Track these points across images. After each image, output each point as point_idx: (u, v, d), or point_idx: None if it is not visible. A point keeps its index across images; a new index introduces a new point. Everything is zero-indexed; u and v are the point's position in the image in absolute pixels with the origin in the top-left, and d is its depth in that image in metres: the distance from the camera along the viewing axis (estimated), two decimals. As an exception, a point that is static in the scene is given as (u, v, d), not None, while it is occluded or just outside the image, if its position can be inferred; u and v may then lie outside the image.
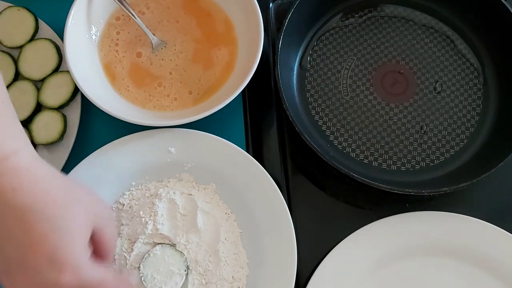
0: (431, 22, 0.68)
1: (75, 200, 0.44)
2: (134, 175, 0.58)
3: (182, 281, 0.52)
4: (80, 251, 0.42)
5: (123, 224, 0.56)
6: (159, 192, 0.56)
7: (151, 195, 0.57)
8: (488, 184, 0.61)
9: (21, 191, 0.41)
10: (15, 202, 0.41)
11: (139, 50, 0.64)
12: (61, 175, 0.46)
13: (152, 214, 0.55)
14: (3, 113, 0.44)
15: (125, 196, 0.57)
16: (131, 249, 0.54)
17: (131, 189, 0.58)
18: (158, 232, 0.54)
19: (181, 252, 0.53)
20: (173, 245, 0.54)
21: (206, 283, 0.53)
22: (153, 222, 0.54)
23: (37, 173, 0.43)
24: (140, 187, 0.58)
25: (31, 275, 0.41)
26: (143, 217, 0.55)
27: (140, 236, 0.54)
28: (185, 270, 0.53)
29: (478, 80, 0.65)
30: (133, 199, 0.57)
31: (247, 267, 0.55)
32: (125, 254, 0.54)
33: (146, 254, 0.53)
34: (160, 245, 0.54)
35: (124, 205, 0.57)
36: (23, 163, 0.42)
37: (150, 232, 0.54)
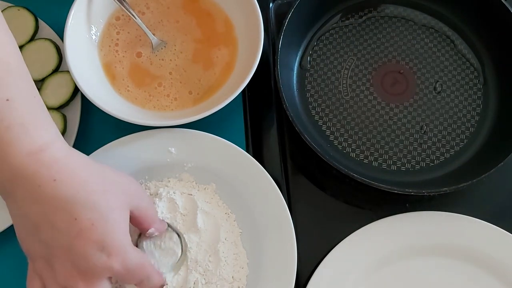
0: (431, 22, 0.68)
1: (113, 186, 0.46)
2: (134, 175, 0.58)
3: (177, 260, 0.53)
4: (125, 236, 0.44)
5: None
6: (159, 191, 0.56)
7: (151, 194, 0.57)
8: (488, 184, 0.61)
9: (61, 182, 0.42)
10: (56, 193, 0.42)
11: (139, 50, 0.64)
12: (94, 162, 0.47)
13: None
14: (36, 106, 0.45)
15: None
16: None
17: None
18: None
19: (178, 233, 0.54)
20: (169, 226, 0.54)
21: (206, 283, 0.53)
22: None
23: (74, 162, 0.45)
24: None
25: (76, 261, 0.42)
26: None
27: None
28: (181, 249, 0.53)
29: (478, 80, 0.65)
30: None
31: (247, 267, 0.55)
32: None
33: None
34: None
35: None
36: (60, 154, 0.44)
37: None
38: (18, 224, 0.45)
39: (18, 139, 0.42)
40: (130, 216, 0.47)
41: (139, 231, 0.52)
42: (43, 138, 0.44)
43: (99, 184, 0.44)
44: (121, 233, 0.44)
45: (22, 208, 0.43)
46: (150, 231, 0.50)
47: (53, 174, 0.42)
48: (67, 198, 0.42)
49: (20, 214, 0.44)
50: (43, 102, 0.46)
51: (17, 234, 0.45)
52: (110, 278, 0.45)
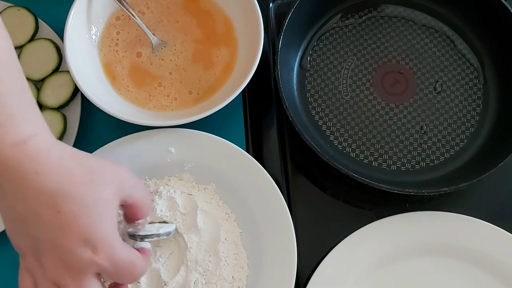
0: (431, 22, 0.68)
1: (100, 176, 0.44)
2: (134, 175, 0.58)
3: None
4: (112, 229, 0.43)
5: (118, 222, 0.56)
6: (159, 189, 0.56)
7: (150, 192, 0.57)
8: (488, 184, 0.61)
9: (44, 174, 0.41)
10: (39, 185, 0.41)
11: (139, 50, 0.64)
12: (81, 153, 0.46)
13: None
14: (25, 100, 0.44)
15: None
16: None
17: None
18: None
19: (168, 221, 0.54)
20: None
21: (206, 283, 0.53)
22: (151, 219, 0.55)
23: (58, 154, 0.43)
24: (139, 185, 0.58)
25: (62, 256, 0.41)
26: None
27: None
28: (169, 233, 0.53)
29: (478, 80, 0.65)
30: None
31: (247, 267, 0.55)
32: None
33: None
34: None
35: (122, 202, 0.57)
36: (43, 145, 0.43)
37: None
38: (6, 218, 0.43)
39: (4, 130, 0.41)
40: (124, 206, 0.46)
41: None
42: (28, 130, 0.43)
43: (84, 175, 0.43)
44: (107, 226, 0.42)
45: (9, 200, 0.42)
46: (139, 221, 0.49)
47: (36, 166, 0.41)
48: (50, 190, 0.41)
49: (8, 206, 0.43)
50: (32, 96, 0.45)
51: (6, 228, 0.44)
52: (99, 275, 0.43)
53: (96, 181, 0.43)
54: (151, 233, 0.50)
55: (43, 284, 0.43)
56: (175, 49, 0.64)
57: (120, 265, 0.42)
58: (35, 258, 0.43)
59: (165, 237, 0.52)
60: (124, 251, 0.43)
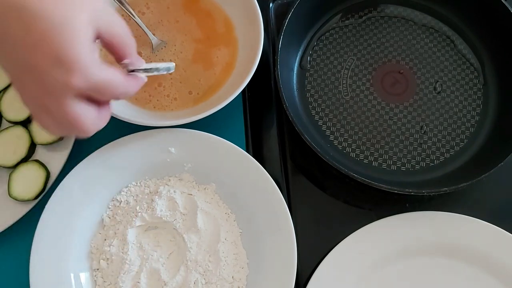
0: (431, 22, 0.68)
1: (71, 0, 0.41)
2: (134, 175, 0.58)
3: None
4: (86, 50, 0.40)
5: (118, 222, 0.56)
6: (159, 189, 0.56)
7: (150, 192, 0.57)
8: (488, 184, 0.61)
9: None
10: (8, 1, 0.39)
11: (139, 50, 0.64)
12: None
13: (150, 210, 0.55)
14: None
15: (122, 193, 0.57)
16: (123, 246, 0.54)
17: (129, 185, 0.58)
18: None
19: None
20: None
21: (206, 283, 0.53)
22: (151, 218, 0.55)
23: None
24: (139, 184, 0.58)
25: (39, 78, 0.40)
26: (139, 212, 0.55)
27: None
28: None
29: (478, 80, 0.65)
30: (131, 196, 0.57)
31: (247, 267, 0.55)
32: (122, 254, 0.54)
33: None
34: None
35: (121, 202, 0.57)
36: None
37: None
38: None
39: None
40: (102, 41, 0.43)
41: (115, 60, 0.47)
42: None
43: None
44: (80, 48, 0.40)
45: None
46: (125, 61, 0.46)
47: None
48: (18, 6, 0.38)
49: None
50: None
51: None
52: (86, 98, 0.42)
53: (67, 2, 0.40)
54: (150, 67, 0.48)
55: (33, 108, 0.42)
56: (175, 49, 0.64)
57: (97, 85, 0.41)
58: (20, 83, 0.41)
59: (164, 72, 0.50)
60: (100, 71, 0.41)
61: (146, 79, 0.48)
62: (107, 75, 0.42)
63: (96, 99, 0.43)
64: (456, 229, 0.57)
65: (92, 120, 0.43)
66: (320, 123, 0.63)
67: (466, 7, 0.67)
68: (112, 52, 0.46)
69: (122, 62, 0.46)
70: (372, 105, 0.64)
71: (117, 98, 0.44)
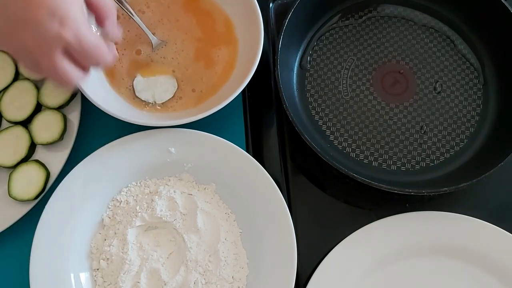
0: (431, 22, 0.68)
1: None
2: (134, 175, 0.58)
3: (171, 96, 0.57)
4: (78, 11, 0.45)
5: (118, 222, 0.56)
6: (159, 189, 0.56)
7: (150, 192, 0.57)
8: (488, 184, 0.61)
9: None
10: None
11: (140, 47, 0.64)
12: None
13: (150, 210, 0.55)
14: None
15: (122, 193, 0.57)
16: (123, 246, 0.54)
17: (129, 185, 0.58)
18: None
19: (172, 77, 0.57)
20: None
21: (206, 283, 0.53)
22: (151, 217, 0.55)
23: None
24: (139, 184, 0.58)
25: (33, 29, 0.43)
26: (139, 212, 0.55)
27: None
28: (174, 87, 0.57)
29: (478, 80, 0.65)
30: (131, 196, 0.57)
31: (247, 267, 0.55)
32: (122, 254, 0.54)
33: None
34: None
35: (121, 202, 0.57)
36: None
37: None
38: None
39: None
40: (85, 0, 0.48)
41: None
42: None
43: None
44: (73, 6, 0.45)
45: None
46: (106, 29, 0.51)
47: None
48: None
49: None
50: None
51: None
52: (69, 57, 0.46)
53: None
54: None
55: (26, 63, 0.47)
56: (176, 47, 0.64)
57: (85, 43, 0.45)
58: (13, 38, 0.45)
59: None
60: (90, 33, 0.45)
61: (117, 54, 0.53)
62: (95, 38, 0.46)
63: (79, 63, 0.47)
64: (456, 229, 0.57)
65: (74, 73, 0.47)
66: (320, 123, 0.63)
67: (466, 7, 0.67)
68: (93, 12, 0.51)
69: (105, 30, 0.51)
70: (372, 105, 0.64)
71: (97, 64, 0.48)
